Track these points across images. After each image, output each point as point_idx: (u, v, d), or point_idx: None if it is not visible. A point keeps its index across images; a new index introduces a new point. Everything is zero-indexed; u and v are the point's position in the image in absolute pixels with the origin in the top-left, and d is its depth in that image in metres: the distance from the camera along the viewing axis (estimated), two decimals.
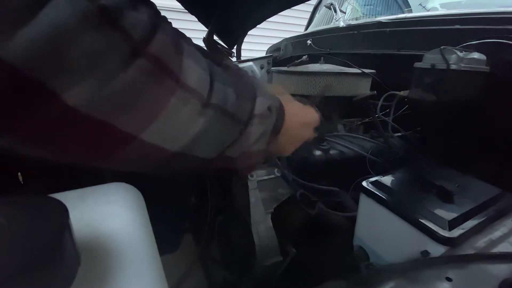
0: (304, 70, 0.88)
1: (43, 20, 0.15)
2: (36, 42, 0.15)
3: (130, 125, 0.20)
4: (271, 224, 0.59)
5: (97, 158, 0.22)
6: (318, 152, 0.70)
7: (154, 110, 0.21)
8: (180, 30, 0.28)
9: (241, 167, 0.33)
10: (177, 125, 0.23)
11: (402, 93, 0.75)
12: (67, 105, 0.17)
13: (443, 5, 1.13)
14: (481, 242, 0.36)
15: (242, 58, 1.49)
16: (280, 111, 0.35)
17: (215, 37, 1.20)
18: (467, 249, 0.35)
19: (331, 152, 0.71)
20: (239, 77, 0.32)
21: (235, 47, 1.42)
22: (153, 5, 0.22)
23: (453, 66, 0.58)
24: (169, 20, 0.26)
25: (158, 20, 0.21)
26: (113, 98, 0.19)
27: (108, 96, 0.18)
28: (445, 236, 0.37)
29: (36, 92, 0.16)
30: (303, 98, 0.71)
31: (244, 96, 0.30)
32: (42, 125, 0.17)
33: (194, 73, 0.23)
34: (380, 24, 1.00)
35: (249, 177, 0.55)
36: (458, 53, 0.59)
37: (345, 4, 1.41)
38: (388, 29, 0.96)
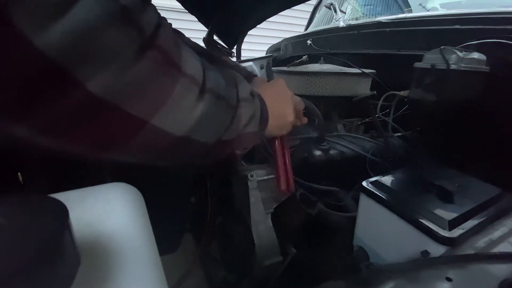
0: (304, 70, 0.88)
1: (75, 16, 0.17)
2: (68, 35, 0.17)
3: (142, 111, 0.23)
4: (271, 224, 0.59)
5: (113, 145, 0.24)
6: (318, 152, 0.70)
7: (163, 96, 0.24)
8: (180, 30, 0.30)
9: (237, 149, 0.37)
10: (182, 110, 0.26)
11: (402, 93, 0.75)
12: (89, 92, 0.19)
13: (443, 5, 1.13)
14: (481, 242, 0.36)
15: (242, 58, 1.49)
16: (261, 98, 0.40)
17: (215, 37, 1.20)
18: (467, 249, 0.35)
19: (331, 152, 0.71)
20: (221, 66, 0.36)
21: (235, 47, 1.42)
22: (154, 6, 0.24)
23: (453, 66, 0.58)
24: (169, 22, 0.30)
25: (160, 19, 0.24)
26: (129, 86, 0.21)
27: (125, 84, 0.20)
28: (445, 236, 0.37)
29: (62, 80, 0.18)
30: (304, 98, 0.71)
31: (230, 83, 0.33)
32: (64, 112, 0.19)
33: (191, 63, 0.26)
34: (380, 24, 1.00)
35: (249, 177, 0.55)
36: (458, 53, 0.59)
37: (345, 4, 1.41)
38: (388, 29, 0.96)
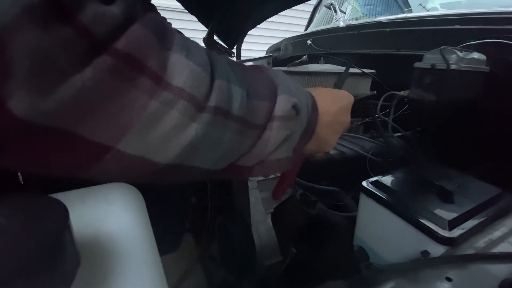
0: (304, 70, 0.88)
1: None
2: None
3: (101, 135, 0.18)
4: (271, 224, 0.59)
5: (72, 169, 0.19)
6: None
7: (129, 116, 0.18)
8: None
9: (259, 176, 0.29)
10: (162, 133, 0.20)
11: (402, 93, 0.75)
12: (13, 115, 0.14)
13: (443, 5, 1.13)
14: (481, 242, 0.36)
15: (242, 58, 1.49)
16: (313, 107, 0.31)
17: (215, 37, 1.20)
18: (467, 249, 0.35)
19: (331, 152, 0.71)
20: (255, 72, 0.28)
21: (235, 47, 1.42)
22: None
23: (453, 66, 0.58)
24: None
25: (138, 12, 0.18)
26: (67, 105, 0.16)
27: (60, 102, 0.15)
28: (445, 236, 0.37)
29: None
30: None
31: (260, 95, 0.25)
32: None
33: (184, 71, 0.20)
34: (380, 24, 1.00)
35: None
36: (458, 53, 0.59)
37: (345, 4, 1.41)
38: (388, 29, 0.96)
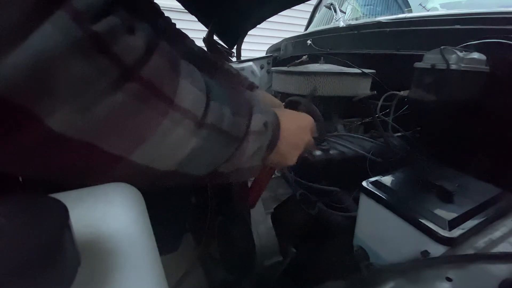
0: (304, 70, 0.88)
1: (29, 47, 0.15)
2: (20, 69, 0.15)
3: (118, 147, 0.20)
4: (271, 224, 0.59)
5: (85, 177, 0.22)
6: (318, 152, 0.70)
7: (144, 131, 0.21)
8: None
9: (233, 181, 0.34)
10: (168, 146, 0.23)
11: (402, 93, 0.75)
12: (50, 129, 0.17)
13: (443, 5, 1.13)
14: (481, 242, 0.36)
15: (242, 58, 1.49)
16: (276, 126, 0.36)
17: (215, 37, 1.20)
18: (467, 249, 0.35)
19: (331, 152, 0.71)
20: (236, 93, 0.32)
21: (235, 47, 1.42)
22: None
23: (453, 66, 0.58)
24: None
25: (156, 42, 0.21)
26: (99, 122, 0.18)
27: (93, 119, 0.18)
28: (445, 236, 0.37)
29: (19, 117, 0.16)
30: (301, 97, 0.71)
31: (240, 113, 0.30)
32: (24, 149, 0.17)
33: (189, 95, 0.24)
34: (380, 24, 1.00)
35: None
36: (458, 53, 0.59)
37: (345, 4, 1.41)
38: (388, 29, 0.96)
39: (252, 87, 0.59)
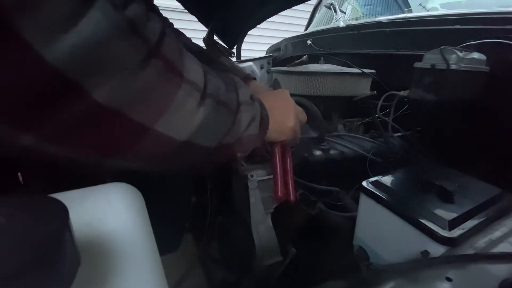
0: (304, 70, 0.88)
1: (83, 29, 0.17)
2: (76, 48, 0.17)
3: (146, 117, 0.23)
4: (271, 224, 0.59)
5: (117, 151, 0.24)
6: (318, 152, 0.70)
7: (166, 102, 0.24)
8: (180, 30, 0.31)
9: (237, 152, 0.37)
10: (183, 115, 0.26)
11: (402, 93, 0.75)
12: (95, 101, 0.19)
13: (443, 5, 1.13)
14: (481, 242, 0.36)
15: (242, 58, 1.49)
16: (258, 100, 0.40)
17: (215, 37, 1.20)
18: (467, 249, 0.35)
19: (331, 152, 0.71)
20: (219, 70, 0.36)
21: (235, 47, 1.42)
22: (160, 14, 0.26)
23: (453, 66, 0.58)
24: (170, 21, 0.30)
25: (165, 27, 0.24)
26: (134, 94, 0.21)
27: (130, 92, 0.21)
28: (445, 236, 0.37)
29: (70, 91, 0.18)
30: (301, 97, 0.71)
31: (230, 88, 0.34)
32: (70, 121, 0.20)
33: (193, 69, 0.27)
34: (380, 24, 1.00)
35: (249, 177, 0.55)
36: (458, 53, 0.59)
37: (345, 4, 1.41)
38: (388, 29, 0.96)
39: (248, 78, 0.60)
